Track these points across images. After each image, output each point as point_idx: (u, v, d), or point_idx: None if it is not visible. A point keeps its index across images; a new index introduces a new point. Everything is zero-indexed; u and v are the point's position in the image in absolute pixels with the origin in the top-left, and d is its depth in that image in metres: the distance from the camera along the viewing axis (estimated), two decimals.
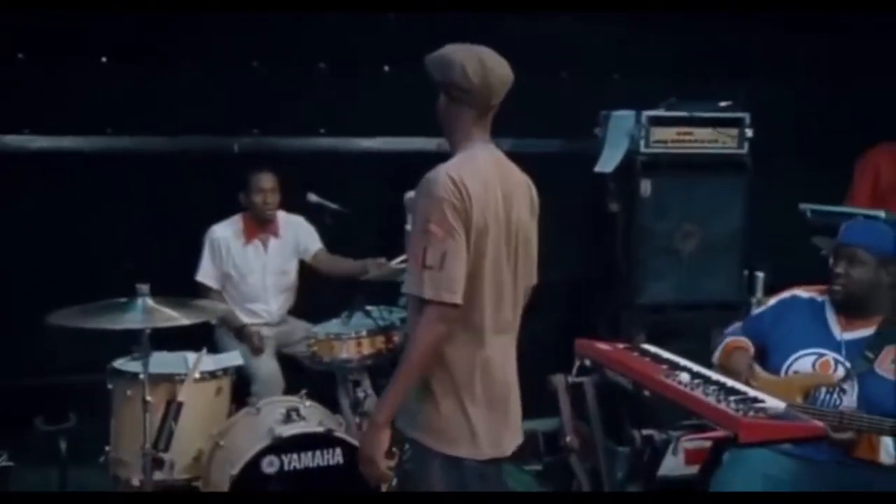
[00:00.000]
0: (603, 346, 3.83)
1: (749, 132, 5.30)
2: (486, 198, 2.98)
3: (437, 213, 2.90)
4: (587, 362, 3.84)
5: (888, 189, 5.68)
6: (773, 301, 4.07)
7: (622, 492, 3.61)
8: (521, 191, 3.16)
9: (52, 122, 5.27)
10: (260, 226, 5.18)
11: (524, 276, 3.18)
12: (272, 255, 5.22)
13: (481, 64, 3.01)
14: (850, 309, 3.79)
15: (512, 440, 3.15)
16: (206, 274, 5.11)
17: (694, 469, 3.95)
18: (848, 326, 3.79)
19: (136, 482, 4.28)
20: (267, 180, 5.12)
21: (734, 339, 3.99)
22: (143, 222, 5.43)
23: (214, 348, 4.79)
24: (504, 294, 3.08)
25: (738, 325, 4.15)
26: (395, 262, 4.82)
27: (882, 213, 5.07)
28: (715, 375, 3.46)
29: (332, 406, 4.71)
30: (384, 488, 4.03)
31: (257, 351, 4.98)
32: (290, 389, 4.84)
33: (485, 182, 2.99)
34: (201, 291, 5.03)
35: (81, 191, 5.31)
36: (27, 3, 4.80)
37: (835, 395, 3.70)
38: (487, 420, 3.05)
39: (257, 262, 5.18)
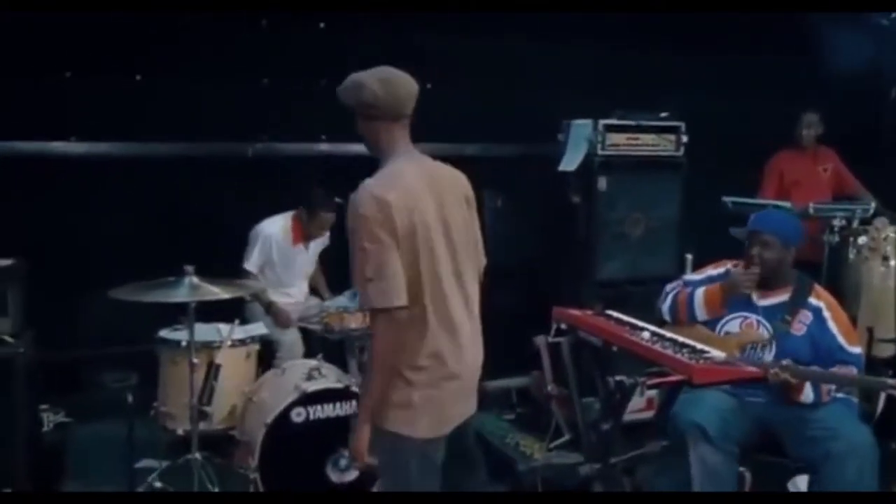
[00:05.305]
0: (575, 312, 3.94)
1: (684, 138, 5.52)
2: (408, 205, 2.93)
3: (365, 230, 2.89)
4: (562, 326, 3.93)
5: (790, 185, 6.08)
6: (712, 271, 4.27)
7: (622, 492, 3.72)
8: (451, 188, 3.13)
9: (93, 129, 5.41)
10: (306, 235, 5.45)
11: (472, 261, 3.18)
12: (311, 254, 5.49)
13: (383, 82, 3.00)
14: (764, 282, 4.08)
15: (461, 414, 3.15)
16: (253, 263, 5.29)
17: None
18: (763, 295, 4.09)
19: (181, 431, 4.46)
20: (330, 218, 5.30)
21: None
22: (178, 216, 5.59)
23: (245, 321, 4.95)
24: (444, 284, 3.03)
25: (678, 281, 4.35)
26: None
27: (788, 204, 5.48)
28: (668, 334, 3.60)
29: (341, 368, 4.85)
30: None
31: (285, 325, 5.19)
32: (306, 355, 5.03)
33: (406, 191, 2.95)
34: (243, 275, 5.17)
35: (117, 190, 5.46)
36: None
37: (758, 350, 4.01)
38: (431, 402, 3.03)
39: (300, 260, 5.44)
